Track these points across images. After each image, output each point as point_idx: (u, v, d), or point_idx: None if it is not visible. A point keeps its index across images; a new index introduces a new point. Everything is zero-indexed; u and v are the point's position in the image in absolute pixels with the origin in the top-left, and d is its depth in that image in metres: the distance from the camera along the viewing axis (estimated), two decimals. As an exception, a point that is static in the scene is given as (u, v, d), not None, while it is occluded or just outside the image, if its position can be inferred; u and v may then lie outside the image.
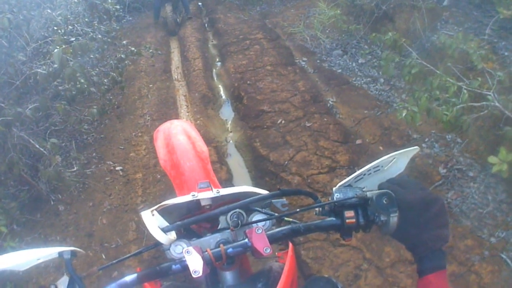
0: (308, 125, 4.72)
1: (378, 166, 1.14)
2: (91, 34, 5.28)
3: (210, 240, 1.19)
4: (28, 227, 3.98)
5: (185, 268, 1.05)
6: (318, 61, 6.47)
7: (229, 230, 1.20)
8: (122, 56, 5.64)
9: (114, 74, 5.34)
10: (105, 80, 5.22)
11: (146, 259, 3.44)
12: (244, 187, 1.28)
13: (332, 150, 4.30)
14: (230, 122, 5.60)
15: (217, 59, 7.53)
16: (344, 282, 3.10)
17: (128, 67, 6.24)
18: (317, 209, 1.14)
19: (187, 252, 1.04)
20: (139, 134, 5.21)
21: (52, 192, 4.28)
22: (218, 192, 1.27)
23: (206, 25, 9.36)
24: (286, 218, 1.24)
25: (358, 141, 4.53)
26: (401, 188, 1.05)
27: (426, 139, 4.34)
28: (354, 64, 6.20)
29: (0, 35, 3.97)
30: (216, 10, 9.52)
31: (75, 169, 4.42)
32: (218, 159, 4.50)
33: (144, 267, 1.16)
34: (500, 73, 3.51)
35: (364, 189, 1.11)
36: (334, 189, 1.11)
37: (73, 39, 4.63)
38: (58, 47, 3.76)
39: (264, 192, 1.24)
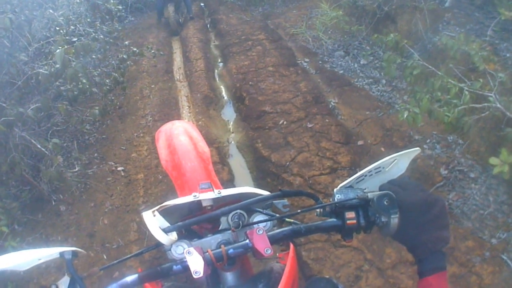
0: (310, 126, 4.72)
1: (379, 167, 1.14)
2: (93, 34, 5.29)
3: (211, 240, 1.19)
4: (30, 227, 3.98)
5: (186, 268, 1.05)
6: (320, 62, 6.47)
7: (230, 231, 1.20)
8: (124, 56, 5.65)
9: (116, 75, 5.34)
10: (107, 81, 5.23)
11: (147, 259, 3.44)
12: (245, 188, 1.28)
13: (334, 151, 4.30)
14: (232, 122, 5.61)
15: (219, 60, 7.54)
16: (345, 283, 3.10)
17: (130, 67, 6.26)
18: (318, 210, 1.14)
19: (188, 252, 1.04)
20: (141, 134, 5.21)
21: (54, 192, 4.28)
22: (219, 193, 1.27)
23: (208, 25, 9.38)
24: (287, 219, 1.24)
25: (360, 142, 4.53)
26: (402, 190, 1.05)
27: (428, 140, 4.34)
28: (356, 65, 6.20)
29: (2, 35, 3.97)
30: (218, 11, 9.53)
31: (76, 169, 4.43)
32: (220, 160, 4.51)
33: (145, 267, 1.16)
34: (501, 75, 3.50)
35: (365, 190, 1.11)
36: (335, 190, 1.11)
37: (75, 39, 4.65)
38: (60, 47, 3.77)
39: (265, 193, 1.24)
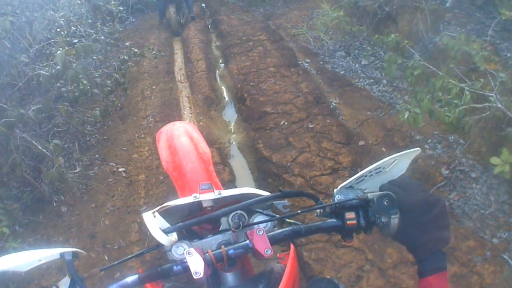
0: (311, 126, 4.72)
1: (379, 168, 1.14)
2: (94, 35, 5.30)
3: (212, 241, 1.19)
4: (31, 228, 3.98)
5: (186, 269, 1.06)
6: (321, 62, 6.47)
7: (230, 232, 1.20)
8: (125, 57, 5.66)
9: (117, 76, 5.35)
10: (108, 82, 5.24)
11: (148, 260, 3.45)
12: (245, 188, 1.28)
13: (335, 152, 4.30)
14: (233, 123, 5.61)
15: (220, 61, 7.55)
16: (347, 283, 3.10)
17: (131, 68, 6.26)
18: (318, 210, 1.14)
19: (188, 253, 1.04)
20: (142, 135, 5.21)
21: (55, 193, 4.29)
22: (220, 194, 1.27)
23: (209, 26, 9.39)
24: (287, 220, 1.24)
25: (361, 143, 4.52)
26: (402, 190, 1.05)
27: (429, 140, 4.33)
28: (357, 66, 6.20)
29: (3, 36, 3.98)
30: (219, 12, 9.54)
31: (77, 170, 4.43)
32: (221, 161, 4.51)
33: (147, 268, 1.16)
34: (502, 74, 3.50)
35: (365, 191, 1.11)
36: (335, 190, 1.11)
37: (76, 40, 4.65)
38: (61, 48, 3.77)
39: (265, 193, 1.24)
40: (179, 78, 6.86)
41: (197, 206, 1.30)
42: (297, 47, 7.07)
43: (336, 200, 1.09)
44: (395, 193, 1.03)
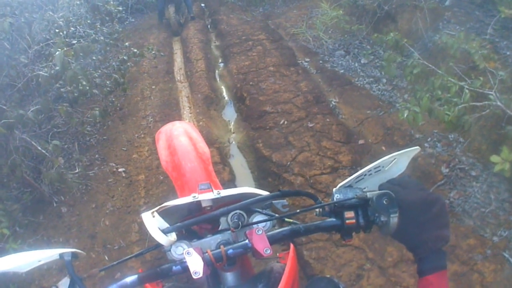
0: (311, 125, 4.71)
1: (378, 167, 1.13)
2: (93, 36, 5.30)
3: (211, 241, 1.19)
4: (31, 229, 3.98)
5: (186, 269, 1.06)
6: (320, 61, 6.47)
7: (229, 231, 1.20)
8: (125, 57, 5.66)
9: (117, 76, 5.35)
10: (108, 82, 5.24)
11: (148, 260, 3.45)
12: (244, 188, 1.28)
13: (335, 151, 4.30)
14: (232, 123, 5.61)
15: (220, 60, 7.55)
16: (347, 282, 3.10)
17: (130, 68, 6.26)
18: (317, 209, 1.14)
19: (188, 253, 1.04)
20: (142, 135, 5.21)
21: (55, 194, 4.29)
22: (219, 193, 1.27)
23: (209, 26, 9.39)
24: (286, 219, 1.24)
25: (361, 141, 4.52)
26: (402, 189, 1.04)
27: (429, 139, 4.33)
28: (356, 65, 6.20)
29: (2, 37, 3.98)
30: (219, 11, 9.53)
31: (77, 171, 4.43)
32: (221, 160, 4.51)
33: (146, 268, 1.16)
34: (502, 73, 3.50)
35: (364, 190, 1.11)
36: (334, 189, 1.11)
37: (75, 41, 4.65)
38: (59, 49, 3.77)
39: (264, 193, 1.24)
40: (178, 78, 6.85)
41: (196, 206, 1.30)
42: (297, 46, 7.06)
43: (335, 199, 1.09)
44: (395, 192, 1.03)
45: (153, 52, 6.41)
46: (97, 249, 3.73)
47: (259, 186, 4.37)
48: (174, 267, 1.10)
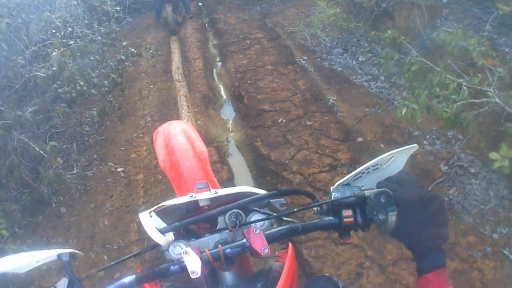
0: (309, 123, 4.71)
1: (377, 165, 1.13)
2: (91, 36, 5.28)
3: (209, 240, 1.19)
4: (30, 230, 3.98)
5: (184, 269, 1.05)
6: (318, 59, 6.47)
7: (227, 231, 1.20)
8: (122, 57, 5.64)
9: (115, 76, 5.34)
10: (106, 82, 5.23)
11: (147, 260, 3.44)
12: (242, 187, 1.28)
13: (333, 149, 4.30)
14: (231, 121, 5.60)
15: (218, 59, 7.54)
16: (346, 281, 3.10)
17: (128, 68, 6.25)
18: (315, 208, 1.14)
19: (185, 253, 1.04)
20: (140, 135, 5.21)
21: (54, 194, 4.29)
22: (216, 193, 1.26)
23: (206, 25, 9.38)
24: (284, 218, 1.23)
25: (359, 139, 4.52)
26: (400, 187, 1.04)
27: (427, 136, 4.33)
28: (354, 62, 6.20)
29: (0, 38, 3.97)
30: (216, 10, 9.52)
31: (76, 171, 4.42)
32: (219, 159, 4.50)
33: (146, 268, 1.16)
34: (500, 69, 3.50)
35: (362, 188, 1.11)
36: (332, 188, 1.11)
37: (72, 41, 4.64)
38: (56, 50, 3.76)
39: (262, 192, 1.24)
40: (176, 77, 6.85)
41: (194, 206, 1.30)
42: (294, 45, 7.06)
43: (332, 198, 1.09)
44: (393, 190, 1.02)
45: (151, 51, 6.40)
46: (96, 249, 3.73)
47: (258, 184, 4.37)
48: (172, 267, 1.10)
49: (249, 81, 5.86)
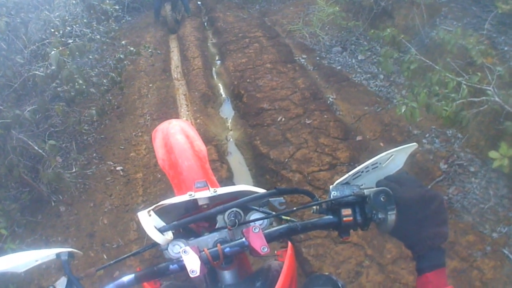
0: (308, 122, 4.71)
1: (376, 163, 1.13)
2: (90, 35, 5.27)
3: (208, 239, 1.19)
4: (29, 229, 3.98)
5: (183, 268, 1.05)
6: (317, 58, 6.47)
7: (226, 229, 1.20)
8: (121, 56, 5.64)
9: (114, 75, 5.34)
10: (105, 81, 5.23)
11: (147, 258, 3.44)
12: (241, 186, 1.28)
13: (333, 147, 4.30)
14: (230, 120, 5.60)
15: (217, 58, 7.53)
16: (346, 279, 3.10)
17: (127, 67, 6.25)
18: (314, 207, 1.14)
19: (184, 251, 1.04)
20: (139, 134, 5.21)
21: (53, 193, 4.29)
22: (215, 192, 1.26)
23: (205, 24, 9.36)
24: (283, 217, 1.23)
25: (359, 138, 4.52)
26: (399, 185, 1.04)
27: (427, 135, 4.33)
28: (353, 61, 6.19)
29: (-2, 37, 3.98)
30: (215, 9, 9.51)
31: (75, 170, 4.42)
32: (219, 158, 4.50)
33: (145, 267, 1.16)
34: (499, 68, 3.50)
35: (361, 187, 1.10)
36: (331, 187, 1.11)
37: (71, 40, 4.63)
38: (55, 49, 3.76)
39: (261, 191, 1.24)
40: (175, 76, 6.85)
41: (193, 204, 1.29)
42: (293, 43, 7.06)
43: (332, 197, 1.08)
44: (392, 189, 1.02)
45: (150, 50, 6.39)
46: (96, 248, 3.73)
47: (257, 183, 4.37)
48: (171, 266, 1.10)
49: (248, 80, 5.86)
